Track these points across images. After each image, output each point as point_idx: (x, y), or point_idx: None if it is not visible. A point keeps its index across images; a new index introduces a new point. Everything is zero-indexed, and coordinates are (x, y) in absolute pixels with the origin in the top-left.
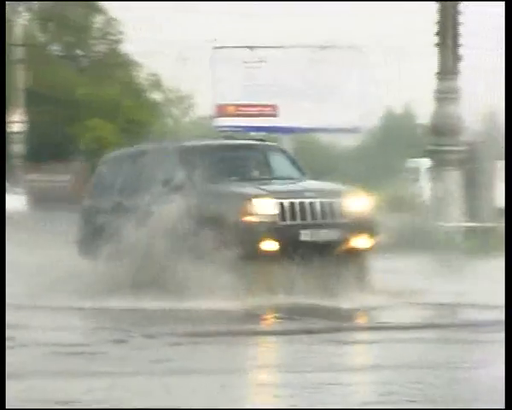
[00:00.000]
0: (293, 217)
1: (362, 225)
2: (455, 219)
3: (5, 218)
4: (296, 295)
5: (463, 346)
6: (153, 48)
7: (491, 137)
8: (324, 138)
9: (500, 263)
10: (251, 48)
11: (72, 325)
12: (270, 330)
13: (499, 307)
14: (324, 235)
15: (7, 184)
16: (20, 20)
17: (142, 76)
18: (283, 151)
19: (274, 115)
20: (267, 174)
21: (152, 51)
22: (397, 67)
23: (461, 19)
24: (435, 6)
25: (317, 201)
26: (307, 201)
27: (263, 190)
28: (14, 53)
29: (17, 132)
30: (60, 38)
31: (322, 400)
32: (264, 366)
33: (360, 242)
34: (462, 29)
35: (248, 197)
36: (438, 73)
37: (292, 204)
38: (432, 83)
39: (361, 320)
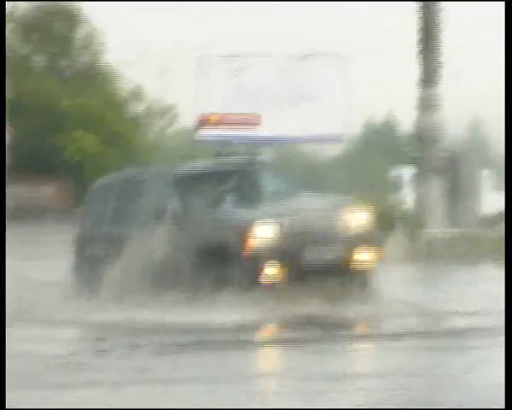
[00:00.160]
0: (294, 238)
1: (364, 240)
2: (438, 227)
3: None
4: (293, 306)
5: (451, 353)
6: (136, 58)
7: (475, 145)
8: (307, 147)
9: (484, 270)
10: (234, 57)
11: (57, 338)
12: (262, 340)
13: (485, 314)
14: (327, 253)
15: None
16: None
17: (125, 87)
18: (277, 167)
19: (257, 125)
20: (264, 194)
21: (135, 62)
22: (379, 75)
23: (443, 25)
24: (417, 14)
25: (318, 218)
26: (307, 219)
27: (261, 213)
28: None
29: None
30: (43, 48)
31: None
32: (257, 374)
33: (364, 257)
34: (444, 35)
35: (247, 224)
36: (420, 80)
37: (292, 225)
38: (414, 90)
39: (354, 329)
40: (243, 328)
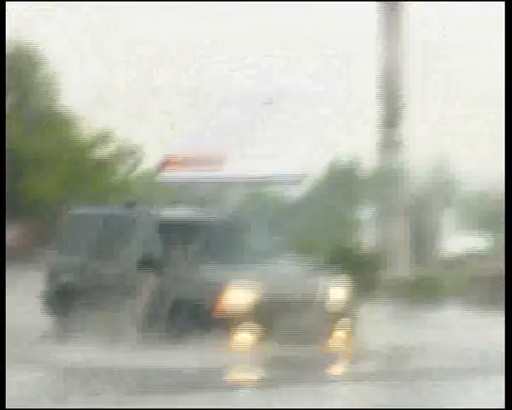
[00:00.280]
0: (269, 308)
1: (342, 316)
2: (401, 268)
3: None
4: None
5: (418, 392)
6: (100, 101)
7: (438, 185)
8: (271, 188)
9: (447, 311)
10: (198, 98)
11: (16, 381)
12: (228, 383)
13: (449, 356)
14: (303, 327)
15: None
16: None
17: (90, 129)
18: (260, 225)
19: (220, 167)
20: (244, 253)
21: (99, 105)
22: (342, 116)
23: (404, 68)
24: (378, 57)
25: (296, 290)
26: (286, 290)
27: (238, 278)
28: None
29: None
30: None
31: None
32: None
33: (340, 332)
34: (404, 78)
35: (223, 287)
36: (382, 121)
37: (269, 294)
38: (377, 131)
39: (323, 371)
40: (212, 371)
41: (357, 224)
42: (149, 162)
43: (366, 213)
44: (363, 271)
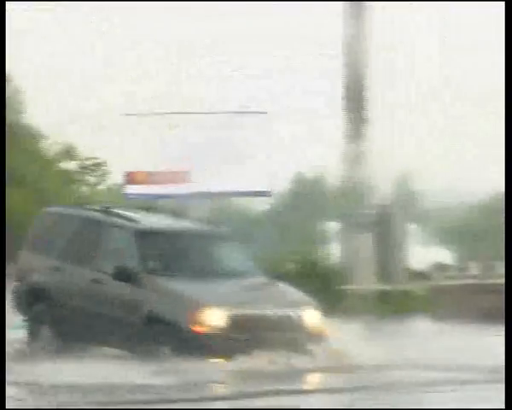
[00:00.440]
0: (242, 331)
1: (314, 330)
2: (366, 282)
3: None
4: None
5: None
6: (64, 118)
7: (402, 200)
8: (237, 202)
9: (411, 325)
10: (162, 114)
11: None
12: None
13: (415, 368)
14: (277, 341)
15: None
16: None
17: (54, 145)
18: (232, 239)
19: (184, 182)
20: (218, 268)
21: (64, 121)
22: (307, 131)
23: (369, 81)
24: (343, 70)
25: (271, 313)
26: (260, 313)
27: (213, 296)
28: None
29: None
30: None
31: None
32: None
33: (312, 345)
34: (369, 92)
35: (197, 305)
36: (346, 136)
37: (242, 316)
38: (342, 146)
39: (294, 384)
40: (182, 387)
41: (323, 237)
42: (115, 178)
43: (332, 227)
44: (328, 284)
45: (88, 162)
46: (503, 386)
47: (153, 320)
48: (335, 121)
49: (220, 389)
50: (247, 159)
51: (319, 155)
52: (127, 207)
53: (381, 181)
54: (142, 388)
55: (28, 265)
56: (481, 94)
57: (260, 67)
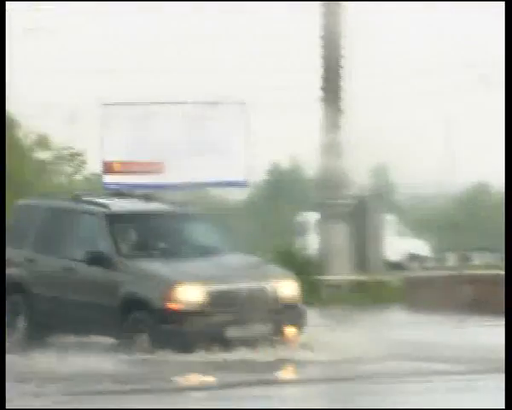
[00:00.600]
0: (219, 306)
1: (291, 315)
2: (342, 273)
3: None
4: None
5: (361, 398)
6: (41, 109)
7: (378, 190)
8: (213, 192)
9: (387, 315)
10: (137, 104)
11: None
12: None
13: (389, 360)
14: (252, 329)
15: None
16: None
17: (28, 136)
18: (204, 219)
19: (161, 172)
20: (190, 247)
21: (40, 112)
22: (283, 121)
23: (344, 72)
24: (320, 61)
25: (246, 287)
26: (235, 287)
27: (187, 273)
28: None
29: None
30: None
31: None
32: None
33: (288, 333)
34: (345, 82)
35: (171, 283)
36: (322, 126)
37: (218, 291)
38: (318, 137)
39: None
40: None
41: (300, 227)
42: (90, 168)
43: (309, 217)
44: (304, 274)
45: (64, 152)
46: (476, 376)
47: (129, 302)
48: (312, 112)
49: (198, 379)
50: (223, 149)
51: (296, 145)
52: (98, 195)
53: (358, 172)
54: (120, 377)
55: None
56: (461, 84)
57: (237, 61)
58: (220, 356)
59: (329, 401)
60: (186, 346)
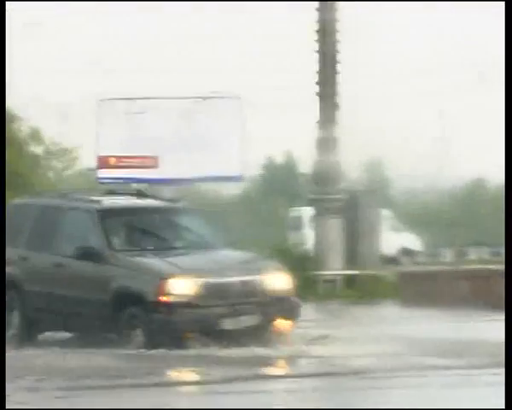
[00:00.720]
0: (212, 299)
1: (284, 307)
2: (336, 268)
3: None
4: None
5: (355, 393)
6: (36, 105)
7: (373, 185)
8: (208, 187)
9: (381, 310)
10: (132, 100)
11: None
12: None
13: (383, 355)
14: (245, 321)
15: None
16: None
17: (21, 129)
18: (196, 214)
19: (155, 166)
20: (182, 241)
21: (33, 105)
22: (278, 117)
23: (339, 68)
24: (315, 56)
25: (238, 280)
26: (227, 280)
27: (180, 266)
28: None
29: None
30: None
31: None
32: None
33: (281, 324)
34: (340, 78)
35: (164, 276)
36: (317, 122)
37: (211, 284)
38: (313, 132)
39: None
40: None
41: (294, 222)
42: (86, 163)
43: (303, 212)
44: (298, 269)
45: (54, 148)
46: (472, 371)
47: (122, 296)
48: (308, 109)
49: (188, 374)
50: (218, 144)
51: (291, 141)
52: (91, 192)
53: (353, 167)
54: (113, 371)
55: None
56: (460, 83)
57: (236, 61)
58: (214, 350)
59: (323, 395)
60: (179, 338)
